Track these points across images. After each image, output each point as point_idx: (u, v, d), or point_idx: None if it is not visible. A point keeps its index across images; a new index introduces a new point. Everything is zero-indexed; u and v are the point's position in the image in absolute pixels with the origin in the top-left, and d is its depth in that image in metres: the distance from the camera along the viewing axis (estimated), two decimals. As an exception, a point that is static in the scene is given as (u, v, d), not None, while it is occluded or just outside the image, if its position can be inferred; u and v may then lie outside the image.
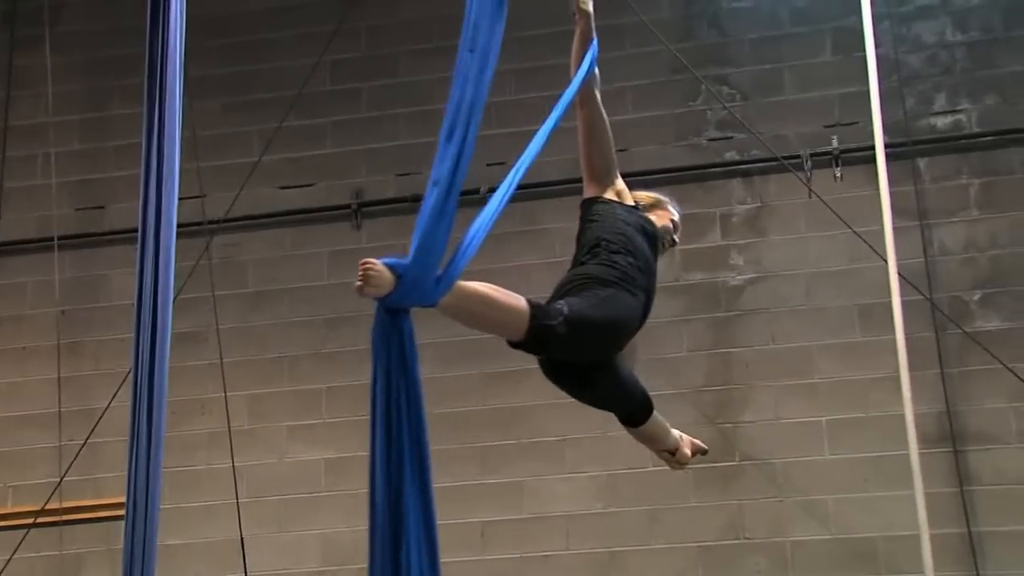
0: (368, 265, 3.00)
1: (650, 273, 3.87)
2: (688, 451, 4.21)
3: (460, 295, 3.22)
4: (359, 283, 3.00)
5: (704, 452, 4.30)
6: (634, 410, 3.97)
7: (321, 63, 7.97)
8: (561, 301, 3.50)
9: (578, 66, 3.99)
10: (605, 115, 4.08)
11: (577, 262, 3.81)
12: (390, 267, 3.02)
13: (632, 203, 4.09)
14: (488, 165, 7.83)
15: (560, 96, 3.83)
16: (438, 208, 3.07)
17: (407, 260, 3.04)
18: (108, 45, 8.61)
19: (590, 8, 4.07)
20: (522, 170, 3.58)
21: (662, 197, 4.25)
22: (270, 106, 8.15)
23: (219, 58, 8.46)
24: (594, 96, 4.06)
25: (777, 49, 7.96)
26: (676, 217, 4.21)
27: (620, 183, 4.12)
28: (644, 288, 3.78)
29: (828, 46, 7.90)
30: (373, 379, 3.12)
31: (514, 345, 3.43)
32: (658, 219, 4.10)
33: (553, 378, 3.78)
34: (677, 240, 4.19)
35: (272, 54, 8.49)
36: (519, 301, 3.37)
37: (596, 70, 4.09)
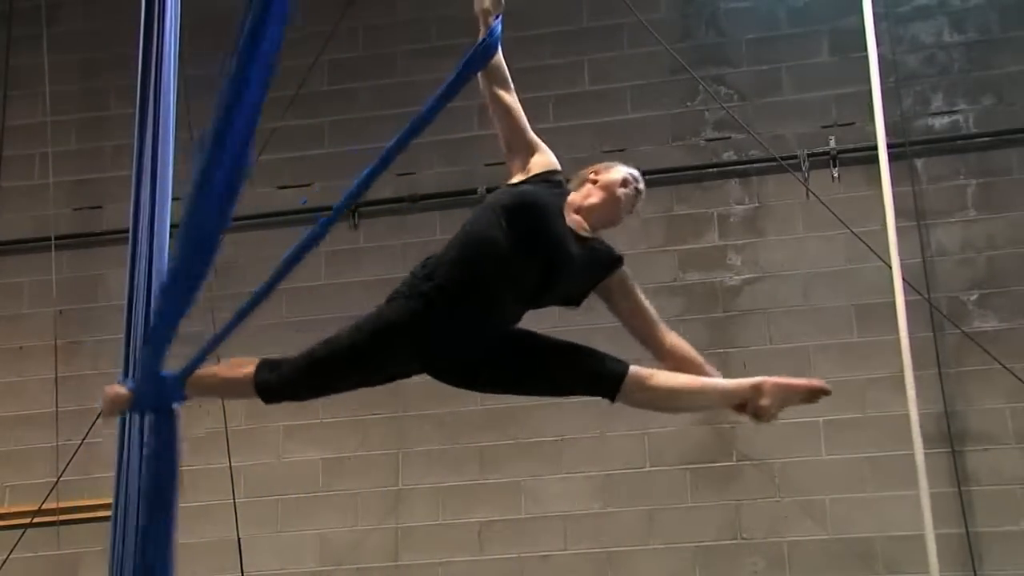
0: (104, 392, 3.51)
1: (485, 260, 3.51)
2: (767, 401, 3.47)
3: (194, 387, 3.60)
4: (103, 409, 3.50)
5: (826, 392, 3.50)
6: (587, 390, 3.63)
7: (319, 63, 7.96)
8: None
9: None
10: (504, 96, 3.85)
11: None
12: (122, 385, 3.51)
13: (534, 173, 3.75)
14: (487, 165, 7.88)
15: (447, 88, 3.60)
16: (162, 314, 3.49)
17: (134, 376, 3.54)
18: (105, 45, 8.60)
19: None
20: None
21: (603, 166, 3.89)
22: (267, 106, 8.02)
23: (216, 58, 8.44)
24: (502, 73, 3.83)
25: (775, 49, 7.96)
26: (615, 175, 3.82)
27: (534, 158, 3.81)
28: (457, 282, 3.48)
29: (826, 47, 7.90)
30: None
31: (267, 402, 3.62)
32: (579, 191, 3.79)
33: (442, 380, 3.77)
34: (637, 191, 3.81)
35: (270, 54, 8.48)
36: (245, 368, 3.66)
37: (500, 52, 3.81)
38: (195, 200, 3.24)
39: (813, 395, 3.53)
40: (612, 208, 3.80)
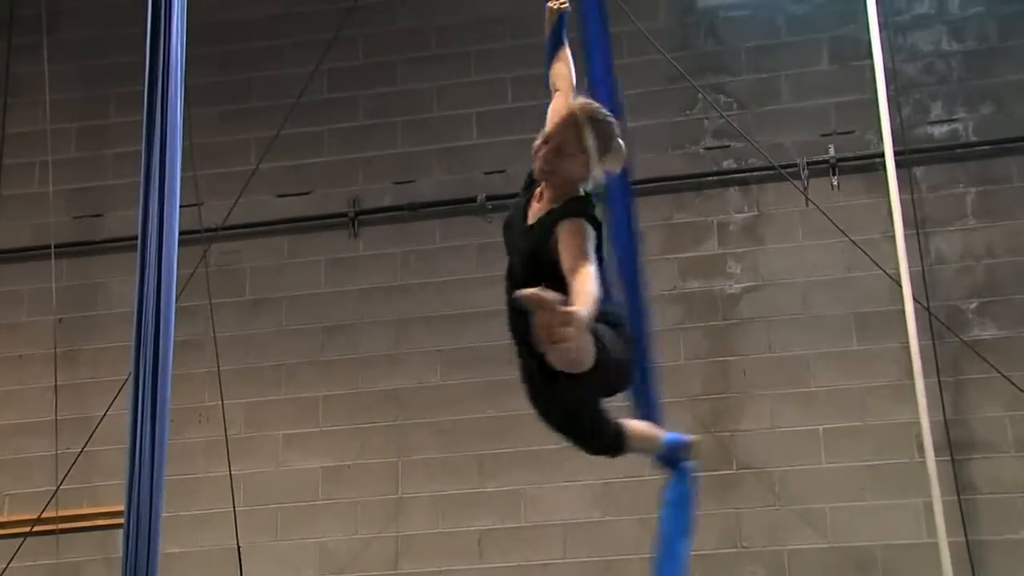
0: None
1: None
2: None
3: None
4: None
5: (536, 297, 2.77)
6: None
7: (318, 71, 7.97)
8: None
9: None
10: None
11: None
12: None
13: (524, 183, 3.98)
14: (486, 173, 7.88)
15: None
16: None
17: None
18: (106, 53, 8.62)
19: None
20: None
21: None
22: (267, 114, 8.15)
23: (216, 66, 8.46)
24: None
25: (774, 58, 7.98)
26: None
27: None
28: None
29: (825, 55, 7.92)
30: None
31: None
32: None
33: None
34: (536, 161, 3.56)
35: (269, 62, 8.50)
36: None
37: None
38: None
39: (536, 308, 2.79)
40: (546, 177, 3.59)
